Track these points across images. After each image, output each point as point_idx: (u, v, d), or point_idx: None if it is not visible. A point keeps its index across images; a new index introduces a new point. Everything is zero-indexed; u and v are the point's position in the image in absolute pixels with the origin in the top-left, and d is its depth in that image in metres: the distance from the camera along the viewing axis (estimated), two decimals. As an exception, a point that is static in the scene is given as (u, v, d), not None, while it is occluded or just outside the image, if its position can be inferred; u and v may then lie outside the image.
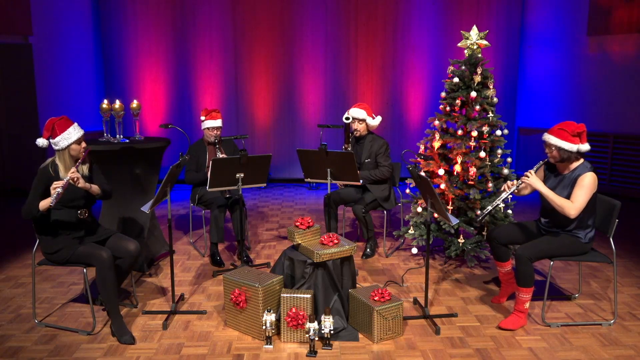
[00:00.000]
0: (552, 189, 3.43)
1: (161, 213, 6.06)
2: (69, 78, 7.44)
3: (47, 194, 3.25)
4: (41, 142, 3.32)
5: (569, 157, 3.35)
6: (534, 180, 3.40)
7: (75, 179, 3.23)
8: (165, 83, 7.98)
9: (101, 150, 4.10)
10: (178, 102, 8.01)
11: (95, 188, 3.43)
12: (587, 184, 3.29)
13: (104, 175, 3.61)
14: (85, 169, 3.47)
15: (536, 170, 3.51)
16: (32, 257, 3.54)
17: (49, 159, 3.37)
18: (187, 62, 7.93)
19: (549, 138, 3.38)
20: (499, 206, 3.51)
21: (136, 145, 4.24)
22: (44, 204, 3.21)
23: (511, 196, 3.66)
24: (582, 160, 3.42)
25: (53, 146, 3.31)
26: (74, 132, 3.32)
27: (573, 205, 3.29)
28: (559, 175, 3.48)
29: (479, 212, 3.61)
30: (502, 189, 3.58)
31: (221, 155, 4.71)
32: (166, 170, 3.50)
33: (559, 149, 3.34)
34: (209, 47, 7.91)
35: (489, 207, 3.54)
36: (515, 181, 3.53)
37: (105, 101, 4.40)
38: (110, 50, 7.89)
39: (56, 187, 3.18)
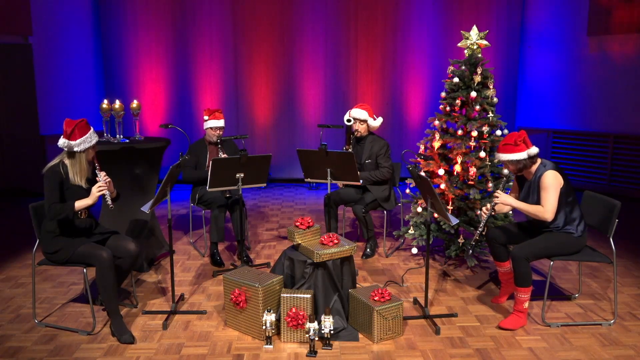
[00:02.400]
0: (526, 197, 3.55)
1: (161, 213, 6.06)
2: (69, 78, 7.43)
3: (63, 194, 3.32)
4: (62, 142, 3.30)
5: (524, 165, 3.47)
6: (504, 197, 3.52)
7: (108, 182, 3.42)
8: (165, 83, 7.98)
9: (101, 150, 4.09)
10: (178, 102, 8.01)
11: (114, 192, 3.58)
12: (548, 183, 3.39)
13: None
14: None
15: (502, 187, 3.64)
16: (32, 257, 3.54)
17: (55, 159, 3.36)
18: (187, 62, 7.92)
19: (500, 156, 3.53)
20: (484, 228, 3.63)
21: (136, 145, 4.24)
22: (80, 204, 3.31)
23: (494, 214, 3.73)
24: (539, 162, 3.51)
25: (74, 148, 3.28)
26: (93, 136, 3.37)
27: (545, 208, 3.38)
28: (527, 182, 3.59)
29: (473, 240, 3.71)
30: (481, 216, 3.69)
31: (222, 155, 4.71)
32: (166, 170, 3.50)
33: (511, 161, 3.47)
34: (209, 47, 7.91)
35: (476, 237, 3.64)
36: (488, 205, 3.63)
37: (105, 101, 4.40)
38: (110, 50, 7.89)
39: (102, 189, 3.33)
